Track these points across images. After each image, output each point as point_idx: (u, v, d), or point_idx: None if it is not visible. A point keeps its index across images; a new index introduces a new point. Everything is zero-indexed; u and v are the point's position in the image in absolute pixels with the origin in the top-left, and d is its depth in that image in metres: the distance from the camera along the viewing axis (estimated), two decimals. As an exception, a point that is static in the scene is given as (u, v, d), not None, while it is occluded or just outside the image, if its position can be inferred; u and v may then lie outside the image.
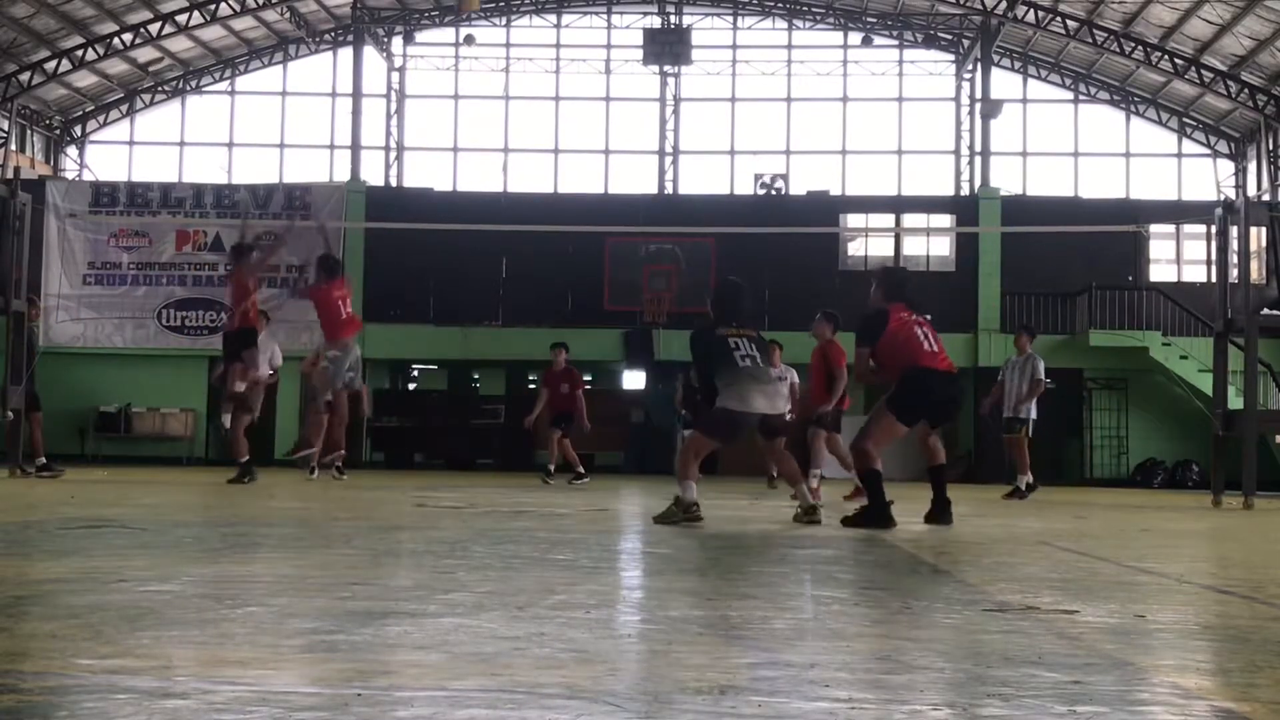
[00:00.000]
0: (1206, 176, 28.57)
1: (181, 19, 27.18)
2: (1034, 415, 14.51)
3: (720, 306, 8.19)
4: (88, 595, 3.24)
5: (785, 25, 29.52)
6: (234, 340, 12.86)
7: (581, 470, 15.30)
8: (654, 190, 28.55)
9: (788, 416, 9.20)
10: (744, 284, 8.70)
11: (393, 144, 29.20)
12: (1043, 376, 14.29)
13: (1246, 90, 26.21)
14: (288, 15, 28.25)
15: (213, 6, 27.11)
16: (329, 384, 13.01)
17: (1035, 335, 15.02)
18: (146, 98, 29.96)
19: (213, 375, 13.62)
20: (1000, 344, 25.29)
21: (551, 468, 15.33)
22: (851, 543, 5.97)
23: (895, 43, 29.19)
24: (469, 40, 29.24)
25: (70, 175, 29.36)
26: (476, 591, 3.54)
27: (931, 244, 27.41)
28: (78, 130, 30.07)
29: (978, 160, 27.14)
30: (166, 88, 29.88)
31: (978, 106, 27.18)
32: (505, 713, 1.91)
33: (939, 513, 7.89)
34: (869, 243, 27.38)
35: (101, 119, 30.10)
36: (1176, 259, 26.89)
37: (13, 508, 6.03)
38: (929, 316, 8.75)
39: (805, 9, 29.19)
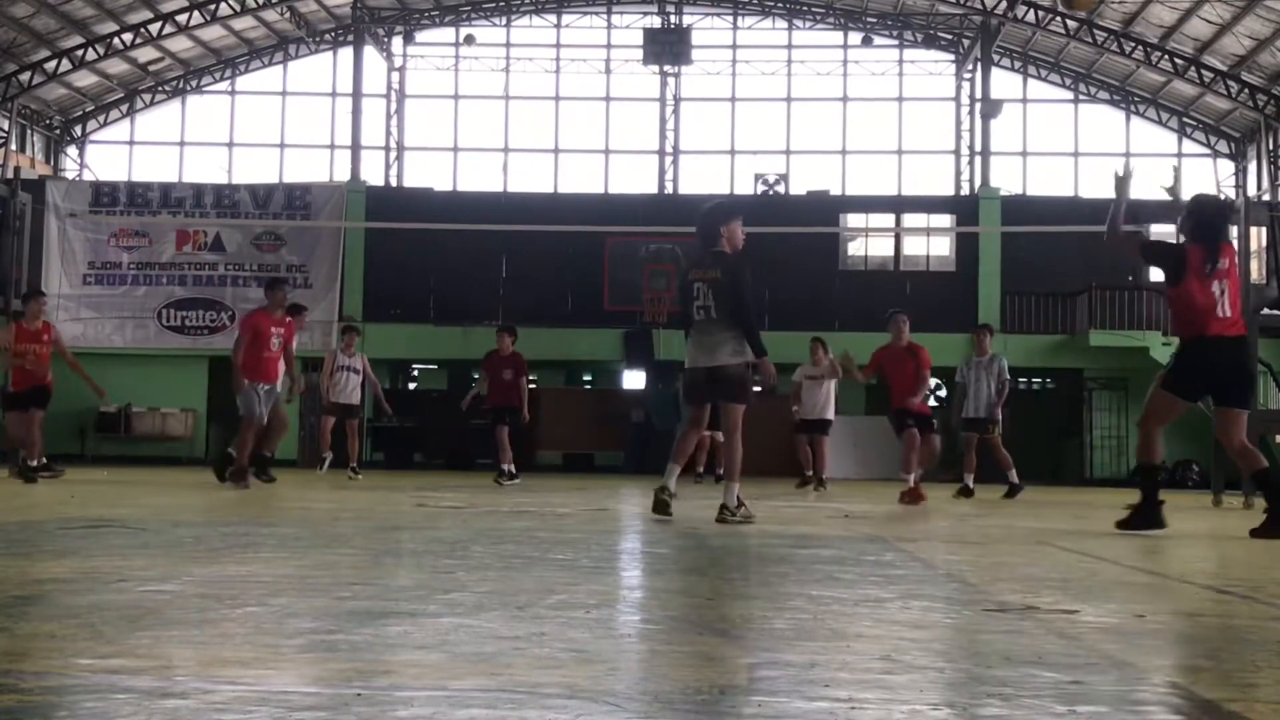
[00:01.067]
0: (1207, 176, 28.60)
1: (182, 19, 27.20)
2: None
3: (701, 240, 7.99)
4: (88, 595, 3.24)
5: (785, 25, 29.53)
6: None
7: (513, 470, 14.24)
8: (654, 190, 28.57)
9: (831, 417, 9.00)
10: (722, 211, 8.19)
11: (393, 144, 29.23)
12: (1009, 376, 14.34)
13: (1246, 90, 26.21)
14: (288, 15, 28.27)
15: (213, 6, 27.13)
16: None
17: (994, 333, 15.08)
18: (147, 97, 29.99)
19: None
20: (1000, 344, 25.27)
21: (505, 468, 14.17)
22: (851, 543, 5.97)
23: (895, 42, 29.21)
24: (469, 40, 29.26)
25: (70, 175, 29.38)
26: (476, 591, 3.54)
27: (931, 244, 27.41)
28: (78, 130, 30.09)
29: (978, 160, 27.16)
30: (167, 87, 29.90)
31: (978, 106, 27.20)
32: (505, 712, 1.91)
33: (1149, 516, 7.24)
34: (869, 242, 27.38)
35: (102, 119, 30.13)
36: (1177, 259, 26.87)
37: (13, 507, 6.04)
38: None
39: (805, 9, 29.20)
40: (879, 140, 29.19)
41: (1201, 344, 7.25)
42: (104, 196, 26.80)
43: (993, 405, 14.17)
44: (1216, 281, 7.29)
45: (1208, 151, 28.72)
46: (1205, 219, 7.69)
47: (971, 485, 13.93)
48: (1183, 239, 7.67)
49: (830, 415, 15.92)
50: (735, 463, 7.64)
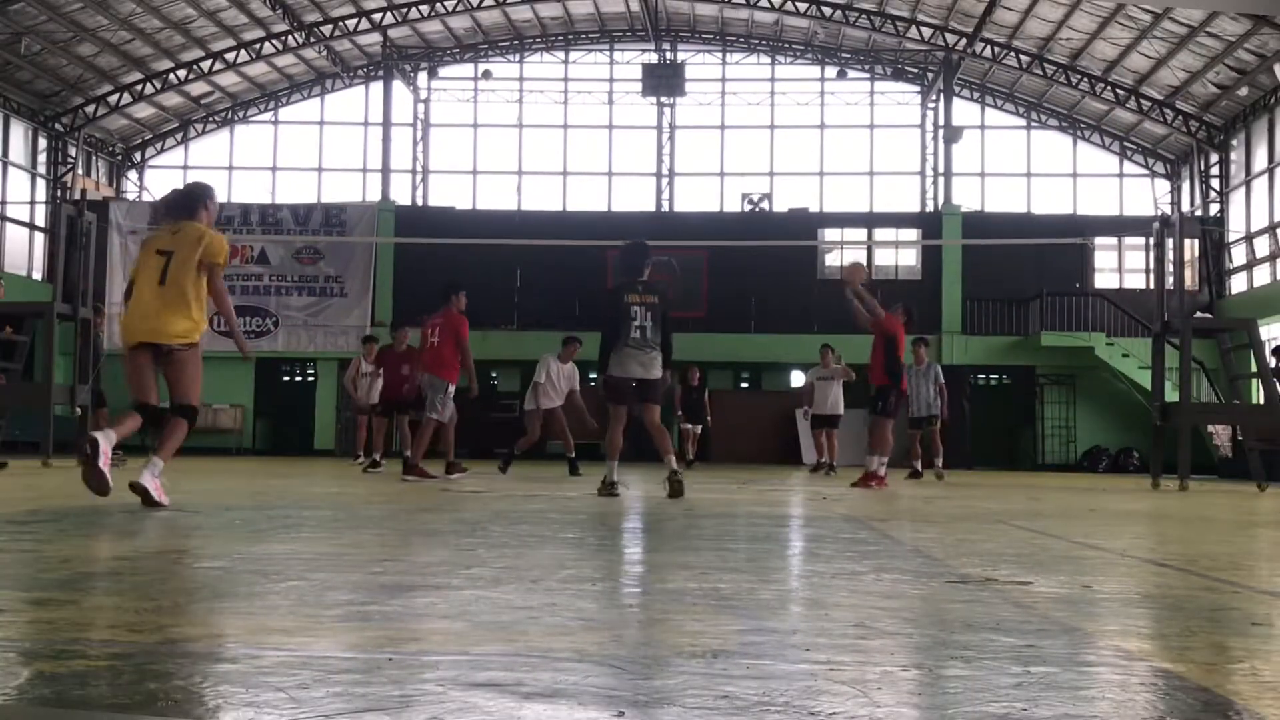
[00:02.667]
0: (1145, 194, 28.57)
1: (230, 56, 27.19)
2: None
3: (624, 270, 8.37)
4: (148, 572, 3.24)
5: (769, 60, 29.51)
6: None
7: (379, 459, 13.68)
8: (652, 208, 28.56)
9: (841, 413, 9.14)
10: (648, 246, 8.74)
11: (419, 167, 29.21)
12: (943, 380, 15.32)
13: (1181, 117, 26.20)
14: (325, 53, 28.26)
15: (258, 45, 27.12)
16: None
17: (929, 344, 15.93)
18: (199, 127, 29.96)
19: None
20: (962, 344, 25.32)
21: (376, 456, 13.68)
22: (830, 523, 5.97)
23: (867, 76, 29.19)
24: (486, 75, 29.25)
25: (131, 196, 29.36)
26: (495, 567, 3.54)
27: (900, 255, 27.41)
28: (137, 156, 30.07)
29: (941, 180, 27.16)
30: (217, 118, 29.87)
31: (941, 132, 27.19)
32: (521, 674, 1.91)
33: None
34: (844, 254, 27.37)
35: (159, 146, 30.11)
36: (1119, 268, 26.89)
37: (81, 494, 6.04)
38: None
39: (787, 46, 29.19)
40: (853, 163, 29.16)
41: None
42: (161, 216, 26.79)
43: (932, 404, 14.99)
44: None
45: (1146, 172, 28.68)
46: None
47: (940, 464, 14.52)
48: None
49: (841, 411, 16.43)
50: (669, 442, 8.30)
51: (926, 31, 26.72)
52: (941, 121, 27.18)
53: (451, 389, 11.22)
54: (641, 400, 8.27)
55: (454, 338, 11.23)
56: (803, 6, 26.58)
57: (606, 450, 8.34)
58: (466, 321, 11.46)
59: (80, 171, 27.83)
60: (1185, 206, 27.24)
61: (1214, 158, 26.38)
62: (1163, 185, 28.56)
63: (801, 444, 22.52)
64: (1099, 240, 26.49)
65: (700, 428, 19.05)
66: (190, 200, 6.47)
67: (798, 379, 24.45)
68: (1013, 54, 26.44)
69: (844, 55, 28.82)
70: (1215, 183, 26.46)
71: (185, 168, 30.09)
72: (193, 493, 7.72)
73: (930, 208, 27.61)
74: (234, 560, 3.61)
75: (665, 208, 28.60)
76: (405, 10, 27.14)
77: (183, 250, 6.05)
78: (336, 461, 17.19)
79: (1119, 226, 26.81)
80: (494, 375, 27.89)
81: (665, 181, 28.92)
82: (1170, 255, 13.69)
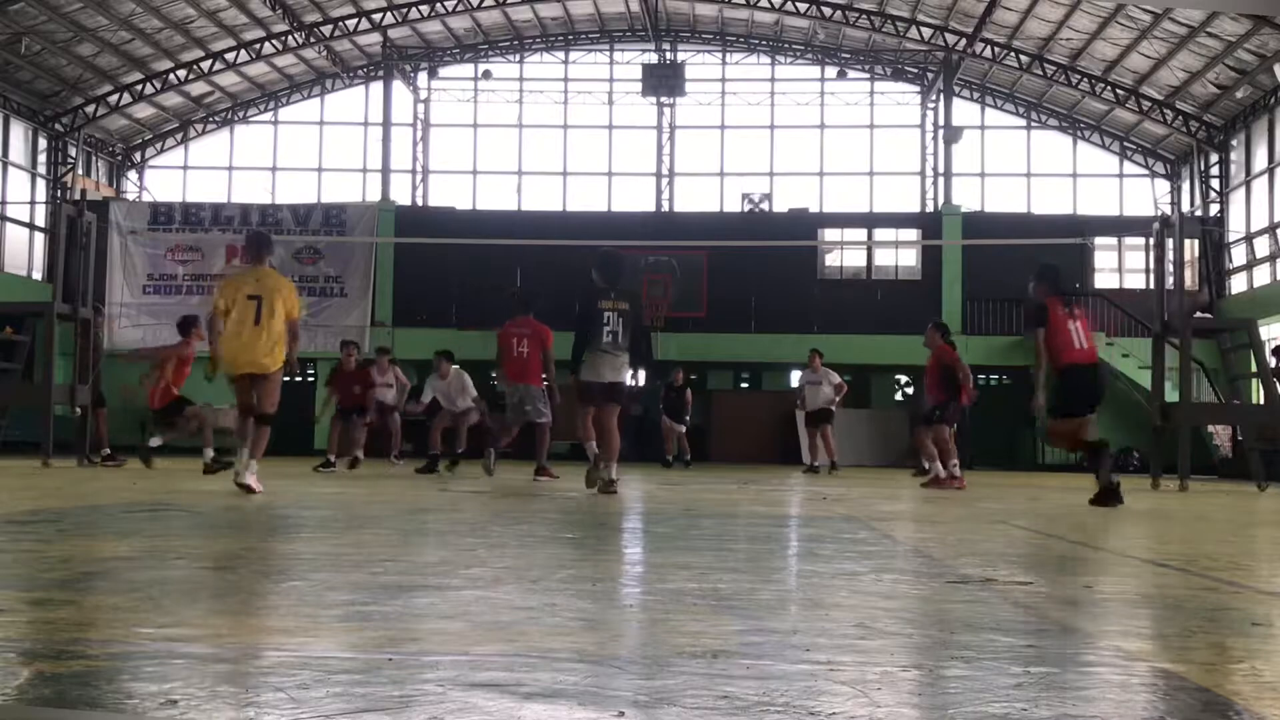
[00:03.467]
0: (1145, 194, 28.56)
1: (230, 57, 27.18)
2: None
3: (604, 278, 8.70)
4: (149, 571, 3.24)
5: (769, 60, 29.51)
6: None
7: (333, 460, 13.71)
8: (652, 208, 28.55)
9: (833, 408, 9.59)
10: (621, 255, 9.35)
11: (419, 168, 29.22)
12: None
13: (1181, 117, 26.19)
14: (325, 53, 28.26)
15: (258, 45, 27.11)
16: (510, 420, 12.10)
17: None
18: (199, 127, 29.95)
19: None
20: (962, 344, 25.20)
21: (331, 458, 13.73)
22: (830, 523, 5.97)
23: (867, 76, 29.18)
24: (487, 75, 29.25)
25: (131, 197, 29.36)
26: (495, 567, 3.54)
27: (900, 255, 27.40)
28: (137, 156, 30.06)
29: (941, 180, 27.15)
30: (217, 118, 29.87)
31: (941, 133, 27.18)
32: (521, 674, 1.91)
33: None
34: (844, 254, 27.38)
35: (159, 146, 30.10)
36: (1119, 268, 26.89)
37: (80, 494, 6.03)
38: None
39: (787, 46, 29.19)
40: (852, 163, 29.15)
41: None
42: (161, 216, 26.80)
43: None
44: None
45: (1146, 172, 28.67)
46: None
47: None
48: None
49: (831, 407, 16.85)
50: (617, 447, 8.62)
51: (926, 32, 26.72)
52: (941, 121, 27.17)
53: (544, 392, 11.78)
54: (604, 401, 8.63)
55: (541, 346, 11.64)
56: (803, 7, 26.58)
57: (585, 448, 8.75)
58: (550, 330, 11.75)
59: (80, 171, 27.82)
60: (1185, 207, 27.23)
61: (1214, 158, 26.37)
62: (1163, 185, 28.56)
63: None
64: (1099, 240, 26.48)
65: (684, 428, 19.46)
66: (261, 246, 8.20)
67: (797, 379, 24.46)
68: (1013, 54, 26.43)
69: (844, 55, 28.82)
70: (1215, 183, 26.45)
71: (185, 168, 30.09)
72: (193, 493, 7.72)
73: (930, 208, 27.61)
74: (234, 560, 3.61)
75: (665, 208, 28.60)
76: (405, 10, 27.13)
77: (270, 300, 7.78)
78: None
79: (1119, 227, 26.80)
80: (494, 376, 27.91)
81: (665, 182, 28.92)
82: (1170, 255, 13.69)
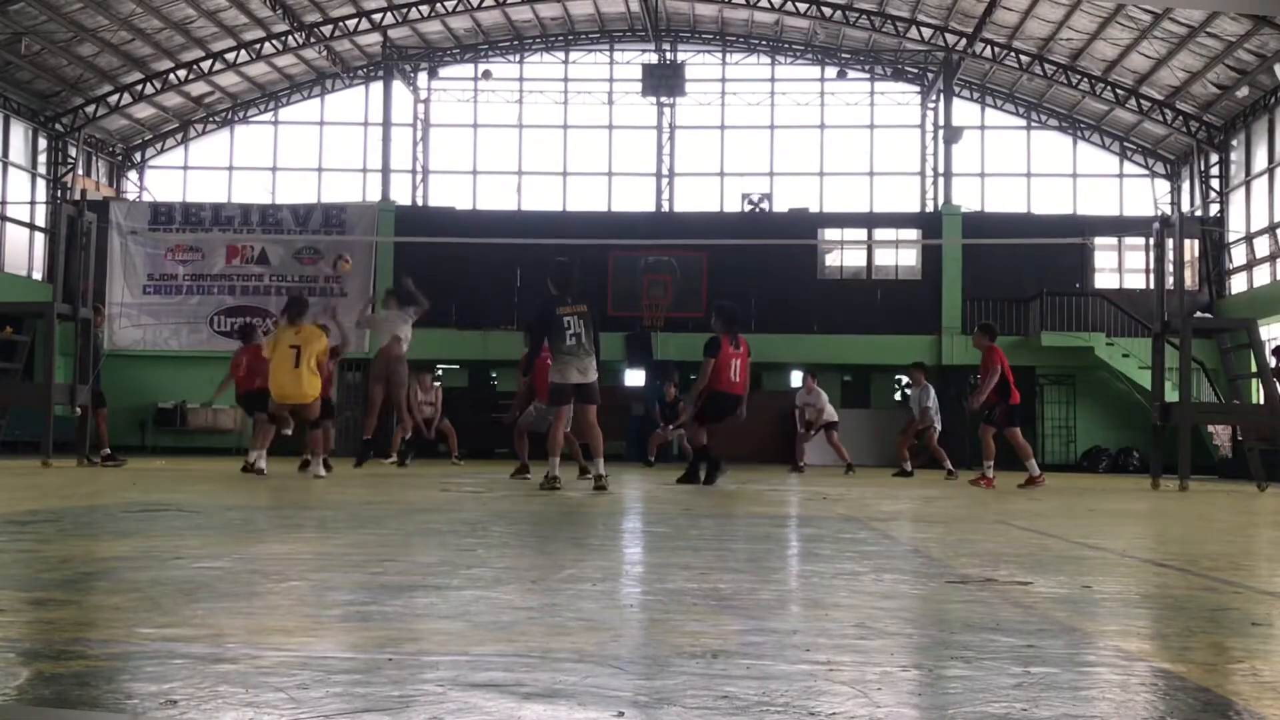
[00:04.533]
0: (1145, 194, 28.57)
1: (230, 57, 27.18)
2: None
3: (558, 285, 9.30)
4: (148, 571, 3.24)
5: (769, 60, 29.52)
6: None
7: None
8: (652, 208, 28.56)
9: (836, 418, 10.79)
10: (574, 262, 10.15)
11: (419, 168, 29.23)
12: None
13: (1181, 117, 26.20)
14: (325, 53, 28.26)
15: (258, 45, 27.11)
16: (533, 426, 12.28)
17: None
18: (199, 127, 29.96)
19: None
20: (962, 345, 25.32)
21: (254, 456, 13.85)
22: (830, 523, 5.97)
23: (867, 76, 29.19)
24: (486, 75, 29.26)
25: (131, 197, 29.36)
26: (495, 567, 3.54)
27: (900, 255, 27.41)
28: (138, 156, 30.07)
29: (941, 180, 27.16)
30: (217, 118, 29.88)
31: (940, 133, 27.19)
32: (521, 675, 1.91)
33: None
34: (844, 254, 27.38)
35: (159, 146, 30.10)
36: (1119, 268, 26.90)
37: (80, 493, 6.04)
38: None
39: (787, 46, 29.19)
40: (852, 163, 29.15)
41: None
42: (161, 216, 26.80)
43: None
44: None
45: (1146, 173, 28.68)
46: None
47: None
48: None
49: (835, 417, 17.80)
50: (600, 444, 9.24)
51: (926, 32, 26.72)
52: (941, 122, 27.18)
53: None
54: (579, 401, 9.12)
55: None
56: (803, 7, 26.58)
57: (549, 447, 9.13)
58: None
59: (80, 171, 27.82)
60: (1185, 207, 27.24)
61: (1214, 158, 26.38)
62: (1163, 185, 28.56)
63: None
64: (1099, 240, 26.49)
65: (681, 433, 19.87)
66: (302, 307, 11.09)
67: (797, 379, 24.44)
68: (1013, 54, 26.44)
69: (844, 55, 28.83)
70: (1215, 183, 26.45)
71: (185, 168, 30.10)
72: (192, 493, 7.72)
73: (930, 208, 27.62)
74: (234, 560, 3.61)
75: (665, 208, 28.60)
76: (405, 10, 27.14)
77: (307, 349, 10.67)
78: (340, 462, 17.15)
79: (1119, 226, 26.81)
80: (494, 375, 27.93)
81: (665, 182, 28.93)
82: (1170, 255, 13.69)
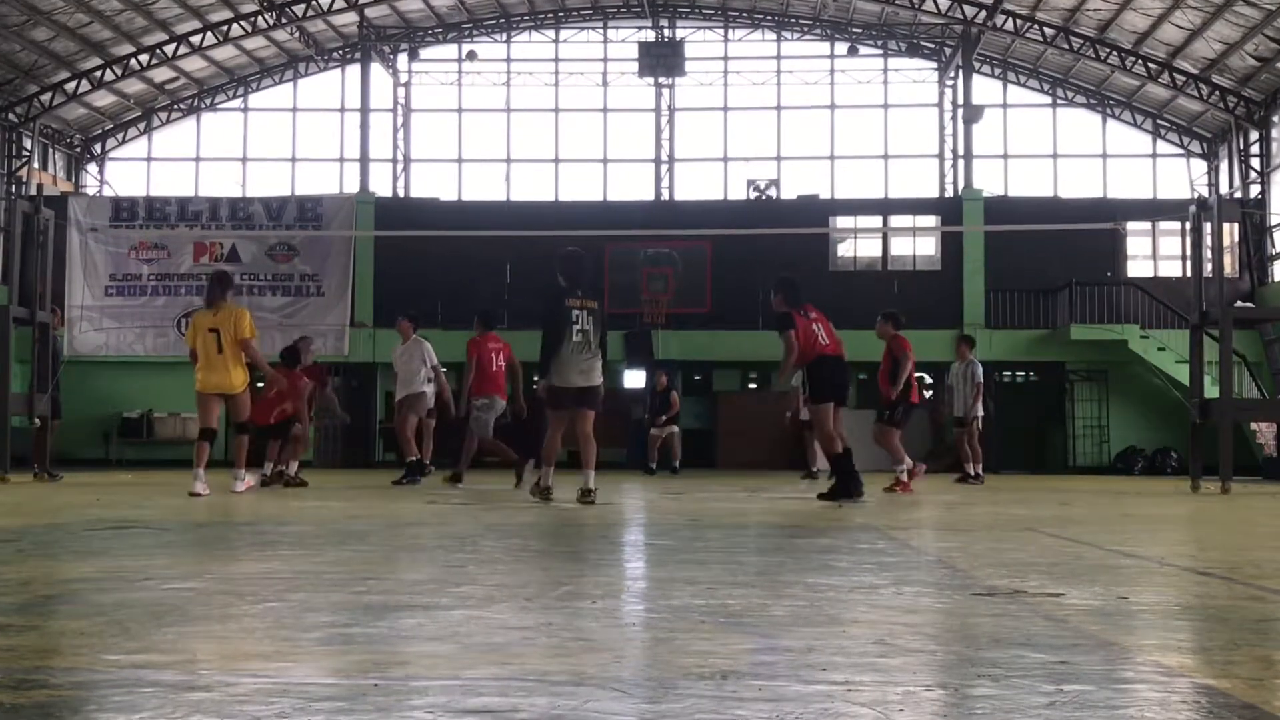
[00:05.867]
0: (1180, 175, 28.58)
1: (195, 40, 27.18)
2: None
3: (568, 278, 8.91)
4: (114, 593, 3.24)
5: (774, 37, 29.52)
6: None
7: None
8: (651, 196, 28.57)
9: None
10: (585, 253, 9.47)
11: (400, 156, 29.23)
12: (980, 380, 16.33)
13: (1217, 92, 26.20)
14: (297, 35, 28.27)
15: (225, 27, 27.10)
16: (480, 433, 12.59)
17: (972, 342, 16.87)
18: (163, 115, 29.96)
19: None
20: (985, 339, 25.33)
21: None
22: (845, 532, 5.97)
23: (880, 52, 29.19)
24: (471, 56, 29.26)
25: (91, 191, 29.37)
26: (487, 584, 3.54)
27: (918, 244, 27.43)
28: (97, 148, 30.07)
29: (960, 163, 27.16)
30: (182, 105, 29.88)
31: (960, 112, 27.18)
32: (516, 699, 1.91)
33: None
34: (858, 244, 27.39)
35: (120, 137, 30.11)
36: (1153, 255, 26.91)
37: (41, 510, 6.04)
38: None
39: (793, 20, 29.20)
40: (866, 145, 29.16)
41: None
42: (124, 211, 26.82)
43: (969, 404, 15.48)
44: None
45: (1181, 152, 28.68)
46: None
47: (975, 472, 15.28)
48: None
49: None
50: (594, 455, 8.79)
51: (944, 3, 26.73)
52: (961, 100, 27.17)
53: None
54: (578, 407, 8.81)
55: (508, 360, 13.21)
56: (810, -22, 26.60)
57: (544, 456, 8.93)
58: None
59: (36, 165, 27.82)
60: (1223, 188, 27.24)
61: (1254, 135, 26.38)
62: (1199, 165, 28.57)
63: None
64: (1131, 225, 26.43)
65: (674, 430, 19.85)
66: (223, 288, 10.31)
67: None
68: (1036, 26, 26.44)
69: (855, 30, 28.83)
70: (1255, 162, 26.46)
71: (149, 160, 30.10)
72: (161, 508, 7.72)
73: (949, 192, 27.62)
74: (206, 581, 3.61)
75: (665, 196, 28.61)
76: (383, -13, 27.16)
77: (227, 330, 9.98)
78: (318, 474, 17.17)
79: (1153, 210, 26.80)
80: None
81: (665, 168, 28.94)
82: (1208, 240, 13.70)
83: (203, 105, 29.92)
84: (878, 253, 27.16)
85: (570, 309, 8.73)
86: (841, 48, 28.97)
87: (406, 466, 12.89)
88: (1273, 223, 26.09)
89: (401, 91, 29.54)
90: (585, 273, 9.09)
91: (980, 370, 15.71)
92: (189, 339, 10.39)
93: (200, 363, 10.07)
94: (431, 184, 29.29)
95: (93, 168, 30.08)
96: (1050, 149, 28.90)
